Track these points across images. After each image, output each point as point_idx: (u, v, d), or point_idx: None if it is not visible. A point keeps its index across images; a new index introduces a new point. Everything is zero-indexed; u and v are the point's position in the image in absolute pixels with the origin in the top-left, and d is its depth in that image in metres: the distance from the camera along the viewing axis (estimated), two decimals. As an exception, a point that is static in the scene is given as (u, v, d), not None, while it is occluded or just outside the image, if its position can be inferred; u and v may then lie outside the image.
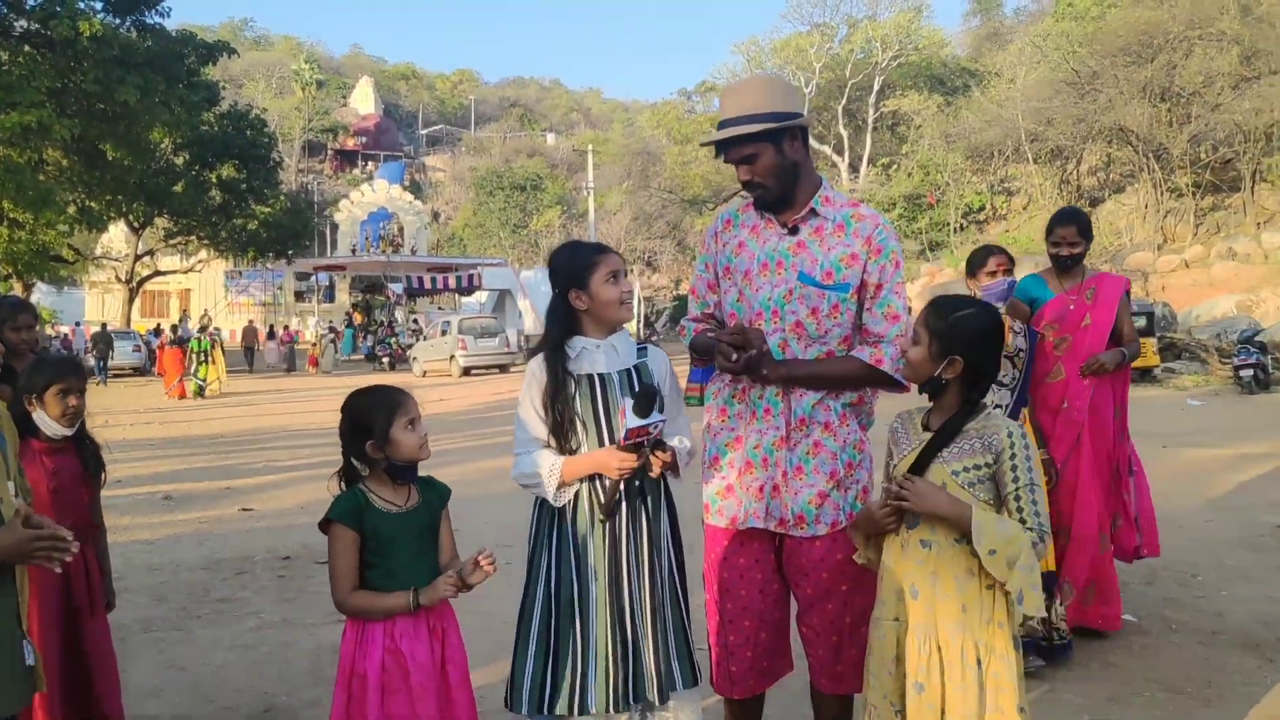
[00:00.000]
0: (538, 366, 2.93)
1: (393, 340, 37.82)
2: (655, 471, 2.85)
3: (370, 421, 2.76)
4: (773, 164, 2.90)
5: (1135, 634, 4.73)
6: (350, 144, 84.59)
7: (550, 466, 2.84)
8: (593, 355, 2.92)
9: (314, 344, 35.54)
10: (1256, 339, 19.48)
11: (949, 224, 41.57)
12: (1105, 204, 38.68)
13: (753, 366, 2.81)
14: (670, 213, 56.95)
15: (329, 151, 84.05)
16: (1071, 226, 4.65)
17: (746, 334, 2.82)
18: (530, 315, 40.19)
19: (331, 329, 39.55)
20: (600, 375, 2.90)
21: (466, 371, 29.84)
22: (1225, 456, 9.59)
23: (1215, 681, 4.09)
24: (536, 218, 62.54)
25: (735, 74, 49.82)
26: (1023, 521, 2.49)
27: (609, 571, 2.83)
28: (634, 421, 2.71)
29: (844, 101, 48.21)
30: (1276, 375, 19.25)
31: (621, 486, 2.84)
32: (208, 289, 53.97)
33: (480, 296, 43.18)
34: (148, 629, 5.30)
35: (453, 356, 30.04)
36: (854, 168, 48.96)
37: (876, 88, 46.67)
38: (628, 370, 2.93)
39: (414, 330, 38.90)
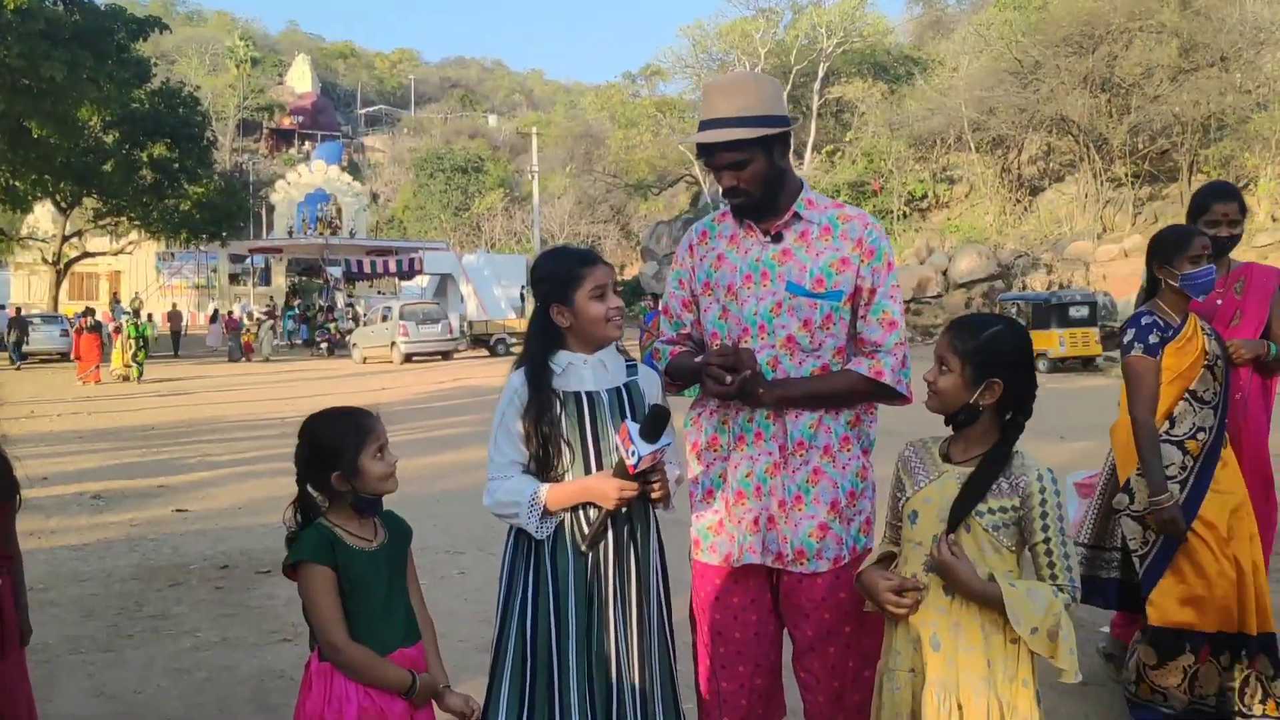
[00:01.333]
0: (519, 382, 2.62)
1: (332, 325, 37.08)
2: (657, 495, 2.56)
3: (337, 448, 2.44)
4: (762, 172, 2.66)
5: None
6: (286, 123, 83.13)
7: (533, 495, 2.54)
8: (580, 371, 2.63)
9: (248, 329, 34.03)
10: (1197, 329, 19.70)
11: (892, 211, 41.75)
12: (1045, 193, 39.20)
13: (747, 389, 2.57)
14: (614, 197, 56.63)
15: (264, 131, 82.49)
16: (1233, 202, 4.04)
17: (739, 355, 2.58)
18: (473, 300, 39.63)
19: (269, 313, 38.56)
20: (589, 394, 2.61)
21: (408, 359, 29.31)
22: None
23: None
24: (478, 200, 61.83)
25: (680, 58, 49.58)
26: (1054, 578, 2.29)
27: (590, 613, 2.54)
28: (645, 448, 2.43)
29: (789, 88, 47.99)
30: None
31: (608, 517, 2.57)
32: (139, 271, 52.60)
33: (421, 281, 42.46)
34: (75, 649, 4.91)
35: (394, 343, 29.49)
36: (799, 154, 48.91)
37: (821, 74, 46.62)
38: (618, 389, 2.64)
39: (352, 315, 38.17)
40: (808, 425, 2.67)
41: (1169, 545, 3.54)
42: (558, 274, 2.63)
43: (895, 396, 2.71)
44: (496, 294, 40.32)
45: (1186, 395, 3.60)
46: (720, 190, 2.76)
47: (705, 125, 2.68)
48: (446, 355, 30.67)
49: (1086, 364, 21.72)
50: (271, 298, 47.16)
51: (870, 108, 43.62)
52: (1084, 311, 22.32)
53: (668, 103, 52.36)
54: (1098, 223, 34.83)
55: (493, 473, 2.63)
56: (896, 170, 41.39)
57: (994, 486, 2.31)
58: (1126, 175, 34.49)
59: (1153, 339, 3.56)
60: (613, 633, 2.55)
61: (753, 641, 2.75)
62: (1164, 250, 3.66)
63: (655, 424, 2.47)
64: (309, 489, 2.51)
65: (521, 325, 34.79)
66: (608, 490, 2.49)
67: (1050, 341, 21.58)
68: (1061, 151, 39.15)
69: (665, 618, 2.68)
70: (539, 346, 2.64)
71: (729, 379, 2.55)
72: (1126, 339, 3.62)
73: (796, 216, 2.72)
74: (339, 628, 2.39)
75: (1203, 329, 3.64)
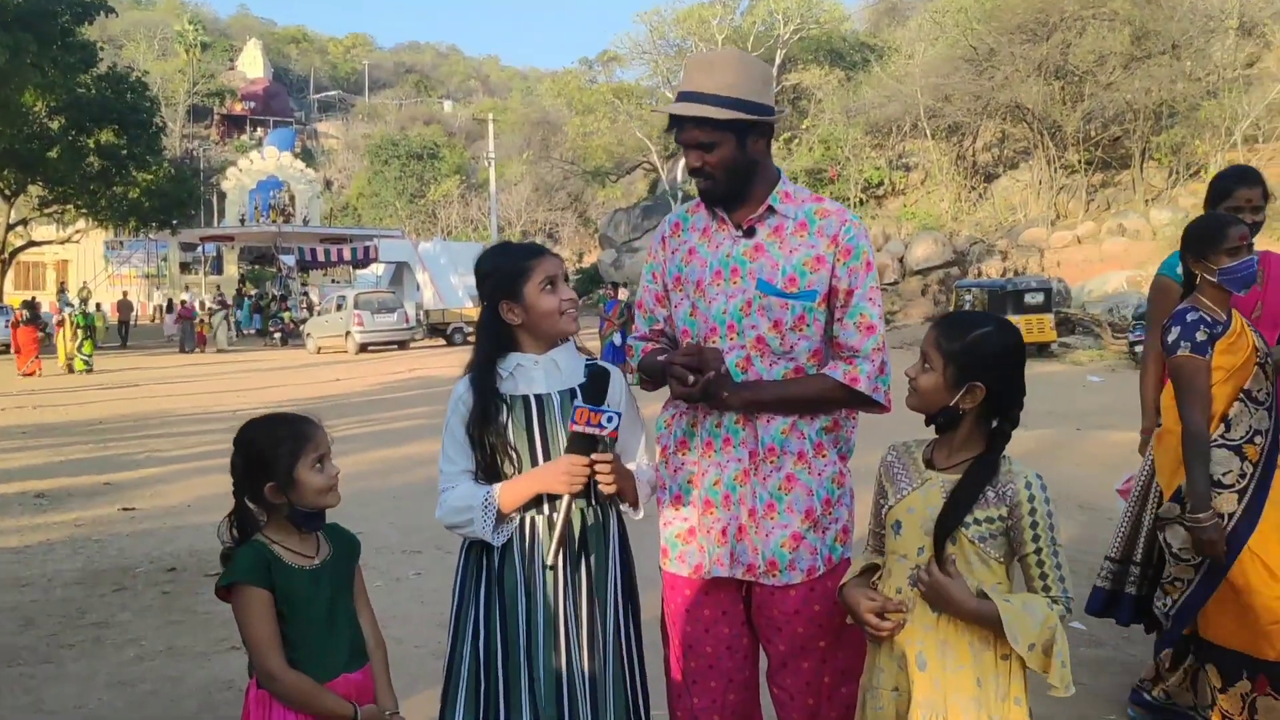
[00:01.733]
0: (464, 389, 2.51)
1: (285, 315, 36.57)
2: (605, 483, 2.39)
3: (271, 458, 2.29)
4: (730, 158, 2.51)
5: (1086, 645, 4.53)
6: (238, 109, 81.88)
7: (486, 497, 2.41)
8: (529, 373, 2.50)
9: (202, 319, 32.90)
10: (1150, 316, 19.91)
11: (849, 198, 41.82)
12: (1000, 180, 39.43)
13: (711, 391, 2.43)
14: (572, 184, 56.29)
15: (215, 117, 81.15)
16: (1257, 187, 3.81)
17: (703, 354, 2.43)
18: (429, 289, 39.19)
19: (221, 302, 37.81)
20: (538, 396, 2.48)
21: (363, 348, 29.01)
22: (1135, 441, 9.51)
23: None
24: (434, 187, 61.18)
25: (637, 44, 49.31)
26: (1046, 589, 2.17)
27: (536, 630, 2.41)
28: (580, 402, 2.38)
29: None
30: (1169, 351, 19.74)
31: (576, 508, 2.43)
32: (87, 260, 51.62)
33: (376, 269, 41.93)
34: (13, 662, 4.71)
35: (348, 333, 29.14)
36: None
37: (778, 61, 46.50)
38: (571, 390, 2.51)
39: (306, 304, 37.67)
40: (779, 430, 2.54)
41: (1217, 564, 3.29)
42: (503, 268, 2.51)
43: (872, 404, 2.56)
44: (453, 282, 39.89)
45: (1241, 395, 3.36)
46: (680, 175, 2.61)
47: (680, 98, 2.54)
48: (402, 345, 30.38)
49: (1042, 350, 21.86)
50: (219, 287, 46.40)
51: (827, 95, 43.62)
52: (1039, 298, 22.47)
53: (625, 89, 52.04)
54: (1051, 209, 35.09)
55: (442, 484, 2.52)
56: (853, 157, 41.43)
57: (980, 496, 2.20)
58: (1080, 162, 34.75)
59: (1200, 336, 3.28)
60: (563, 652, 2.41)
61: (725, 656, 2.62)
62: (1198, 243, 3.40)
63: (596, 384, 2.43)
64: (246, 501, 2.36)
65: (478, 314, 34.49)
66: (554, 471, 2.37)
67: (1006, 328, 21.74)
68: (1016, 139, 39.37)
69: (628, 633, 2.54)
70: (486, 349, 2.52)
71: (691, 379, 2.41)
72: (1171, 338, 3.32)
73: (771, 210, 2.58)
74: (275, 654, 2.25)
75: (1247, 324, 3.40)
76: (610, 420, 2.35)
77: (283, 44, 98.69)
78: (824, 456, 2.58)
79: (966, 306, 23.18)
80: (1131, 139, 33.17)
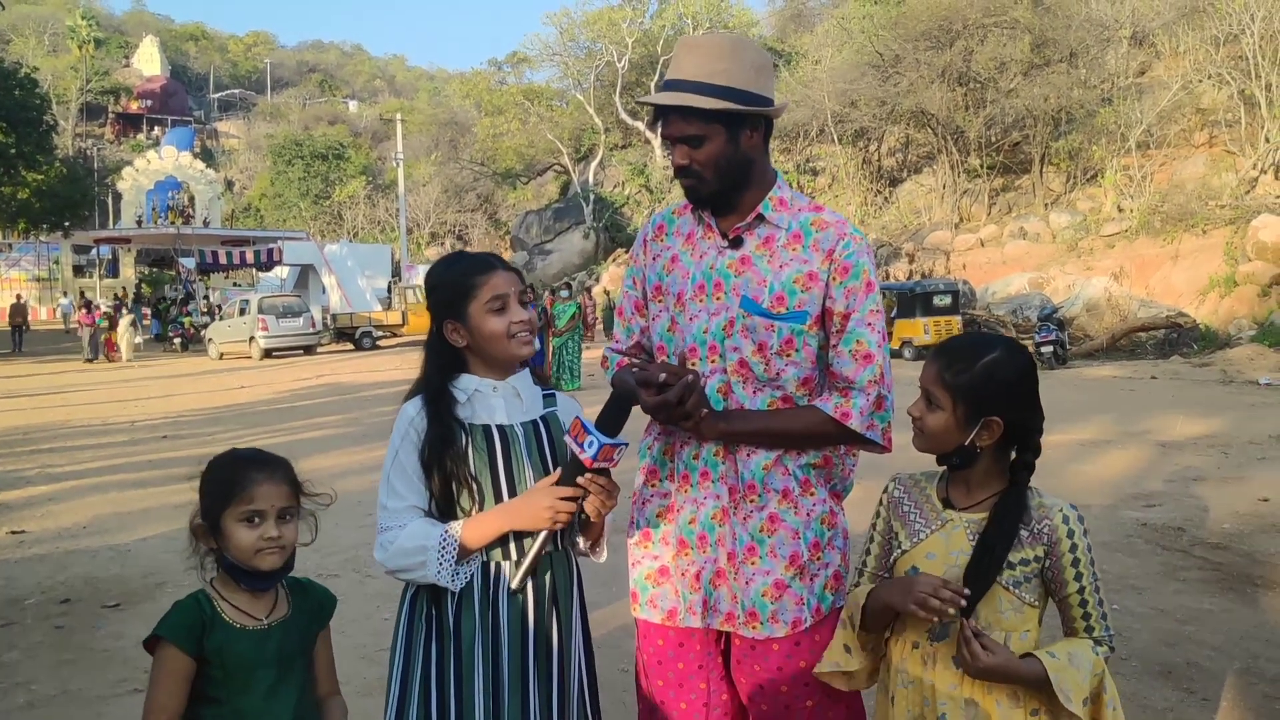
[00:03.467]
0: (415, 411, 2.21)
1: (186, 320, 35.41)
2: (594, 509, 2.14)
3: (206, 497, 2.04)
4: (719, 154, 2.24)
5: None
6: (134, 107, 79.44)
7: (444, 536, 2.11)
8: (488, 401, 2.24)
9: (105, 325, 29.83)
10: (1054, 316, 20.42)
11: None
12: (905, 184, 40.13)
13: (688, 406, 2.15)
14: (482, 185, 55.73)
15: (110, 115, 78.49)
16: None
17: (683, 372, 2.18)
18: (336, 292, 38.40)
19: (116, 306, 36.20)
20: (501, 427, 2.22)
21: (268, 354, 28.21)
22: (1063, 444, 9.69)
23: (1139, 724, 3.82)
24: (340, 188, 59.97)
25: (547, 45, 48.97)
26: (1089, 630, 1.98)
27: (506, 689, 2.14)
28: (604, 439, 2.04)
29: (656, 77, 48.10)
30: (1072, 350, 20.25)
31: (548, 548, 2.18)
32: (-28, 264, 49.45)
33: (280, 272, 40.96)
34: (-116, 710, 4.34)
35: (252, 338, 28.33)
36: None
37: (687, 64, 46.71)
38: (534, 422, 2.26)
39: (207, 309, 36.53)
40: (760, 466, 2.27)
41: None
42: (448, 284, 2.25)
43: (867, 443, 2.29)
44: (361, 285, 39.19)
45: None
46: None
47: (665, 86, 2.27)
48: (309, 350, 29.65)
49: (950, 352, 22.24)
50: (119, 291, 44.72)
51: (736, 98, 43.88)
52: (947, 300, 22.86)
53: (535, 90, 51.75)
54: (955, 213, 35.79)
55: (385, 522, 2.19)
56: (762, 161, 41.76)
57: (1014, 538, 1.98)
58: (982, 167, 35.51)
59: None
60: (532, 711, 2.16)
61: (701, 714, 2.35)
62: None
63: (617, 415, 2.09)
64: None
65: (388, 318, 33.93)
66: (539, 502, 2.10)
67: (915, 330, 22.13)
68: (920, 144, 40.09)
69: (592, 690, 2.30)
70: (436, 369, 2.25)
71: (663, 377, 2.14)
72: None
73: (761, 219, 2.31)
74: None
75: None
76: (620, 453, 2.08)
77: (180, 41, 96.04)
78: (812, 495, 2.31)
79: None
80: (1031, 144, 33.98)
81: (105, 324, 29.48)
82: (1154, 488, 7.92)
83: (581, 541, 2.31)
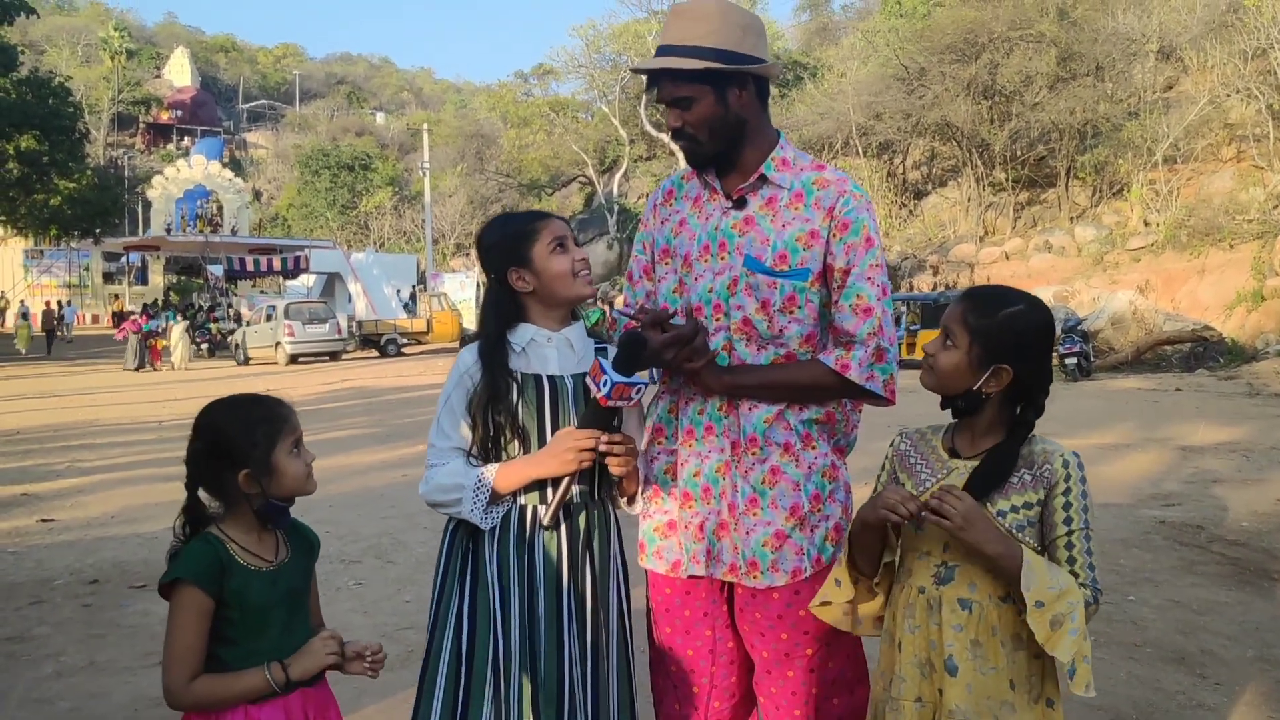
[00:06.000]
0: (471, 359, 2.31)
1: (213, 325, 35.76)
2: (617, 466, 2.22)
3: (244, 443, 2.05)
4: (709, 114, 2.29)
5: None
6: (164, 117, 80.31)
7: (479, 477, 2.23)
8: (543, 351, 2.31)
9: (156, 332, 29.13)
10: (1079, 328, 20.32)
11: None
12: (929, 197, 40.08)
13: (693, 350, 2.25)
14: (507, 196, 56.01)
15: (141, 125, 79.44)
16: None
17: (690, 317, 2.28)
18: (362, 300, 38.66)
19: (154, 312, 36.33)
20: (551, 378, 2.29)
21: (294, 360, 28.43)
22: (1084, 447, 9.54)
23: (1158, 705, 3.82)
24: (366, 199, 60.44)
25: (573, 57, 49.26)
26: (1074, 575, 1.97)
27: (535, 626, 2.21)
28: (617, 377, 2.11)
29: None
30: (1097, 363, 20.17)
31: (575, 488, 2.26)
32: (5, 269, 50.08)
33: (307, 280, 41.29)
34: (-81, 680, 4.44)
35: (278, 343, 28.56)
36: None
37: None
38: (584, 374, 2.30)
39: (235, 315, 36.87)
40: (762, 419, 2.32)
41: None
42: (508, 234, 2.33)
43: (870, 396, 2.32)
44: (386, 293, 39.44)
45: None
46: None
47: (657, 52, 2.34)
48: (334, 356, 29.85)
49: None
50: (158, 299, 45.15)
51: (761, 111, 43.99)
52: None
53: (561, 102, 52.05)
54: (980, 226, 35.74)
55: (432, 459, 2.31)
56: (787, 173, 41.81)
57: (1016, 479, 2.01)
58: (1007, 180, 35.43)
59: None
60: (565, 651, 2.23)
61: (708, 660, 2.42)
62: None
63: (630, 354, 2.14)
64: (200, 495, 2.12)
65: (412, 325, 34.16)
66: (560, 446, 2.18)
67: (939, 341, 22.05)
68: (945, 156, 40.06)
69: (625, 632, 2.37)
70: (495, 320, 2.32)
71: (672, 312, 2.24)
72: None
73: (764, 180, 2.35)
74: (183, 669, 1.99)
75: None
76: (639, 391, 2.15)
77: (211, 53, 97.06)
78: (814, 449, 2.35)
79: (902, 320, 23.46)
80: (1057, 158, 33.92)
81: (155, 329, 28.91)
82: (1173, 488, 7.91)
83: (620, 496, 2.39)
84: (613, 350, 2.32)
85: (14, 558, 6.64)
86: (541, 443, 2.25)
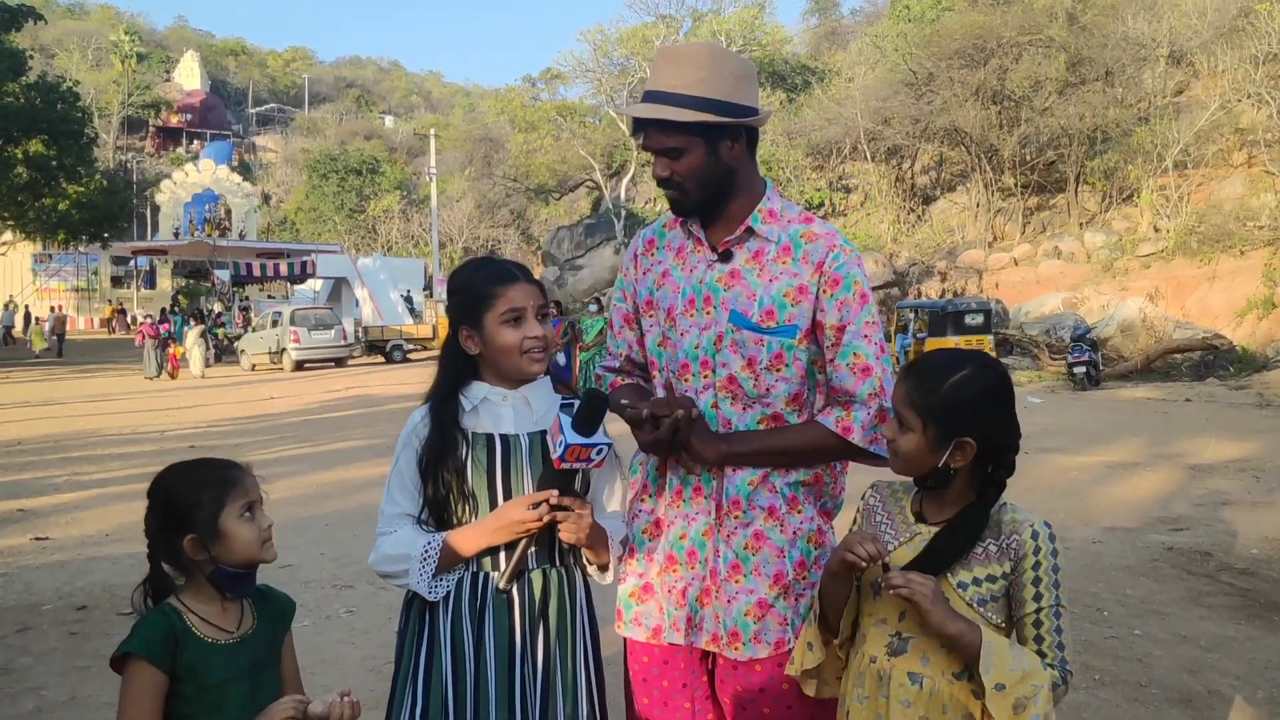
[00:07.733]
0: (420, 419, 2.22)
1: (219, 330, 35.78)
2: (567, 534, 2.11)
3: (190, 504, 1.95)
4: (699, 165, 2.21)
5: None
6: (174, 121, 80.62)
7: (426, 547, 2.12)
8: (496, 409, 2.21)
9: (174, 338, 28.65)
10: (1088, 337, 20.17)
11: (791, 218, 41.96)
12: (938, 202, 39.91)
13: (679, 437, 2.15)
14: (515, 201, 56.02)
15: (150, 129, 79.70)
16: None
17: (674, 402, 2.18)
18: (368, 305, 38.66)
19: (163, 315, 36.28)
20: (505, 437, 2.19)
21: (299, 366, 28.41)
22: (1091, 465, 9.58)
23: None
24: (374, 203, 60.45)
25: (581, 62, 49.21)
26: (1042, 655, 1.86)
27: (490, 698, 2.10)
28: (573, 438, 2.01)
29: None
30: (1106, 371, 20.00)
31: (530, 551, 2.15)
32: (13, 273, 50.21)
33: (314, 285, 41.29)
34: (-103, 713, 4.36)
35: (284, 349, 28.54)
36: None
37: (721, 81, 46.75)
38: (542, 432, 2.19)
39: (243, 320, 36.90)
40: (746, 482, 2.22)
41: None
42: (472, 287, 2.23)
43: (870, 457, 2.23)
44: (393, 298, 39.43)
45: None
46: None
47: (645, 97, 2.24)
48: (340, 362, 29.84)
49: (982, 372, 22.02)
50: (169, 305, 45.18)
51: (769, 116, 43.95)
52: (979, 319, 22.65)
53: (569, 107, 51.95)
54: (989, 232, 35.56)
55: (381, 526, 2.22)
56: (794, 179, 41.65)
57: (980, 550, 1.91)
58: (1016, 185, 35.24)
59: None
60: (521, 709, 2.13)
61: None
62: None
63: (590, 414, 2.04)
64: (163, 566, 1.99)
65: (419, 331, 34.12)
66: (507, 515, 2.10)
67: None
68: (954, 162, 39.88)
69: (594, 704, 2.25)
70: (447, 376, 2.24)
71: (645, 412, 2.13)
72: None
73: (750, 232, 2.27)
74: None
75: None
76: (600, 453, 2.05)
77: (220, 56, 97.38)
78: (799, 512, 2.26)
79: (910, 327, 23.33)
80: (1066, 163, 33.72)
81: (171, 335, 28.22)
82: (1182, 511, 7.78)
83: (586, 562, 2.28)
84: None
85: (4, 579, 6.56)
86: (492, 506, 2.15)
